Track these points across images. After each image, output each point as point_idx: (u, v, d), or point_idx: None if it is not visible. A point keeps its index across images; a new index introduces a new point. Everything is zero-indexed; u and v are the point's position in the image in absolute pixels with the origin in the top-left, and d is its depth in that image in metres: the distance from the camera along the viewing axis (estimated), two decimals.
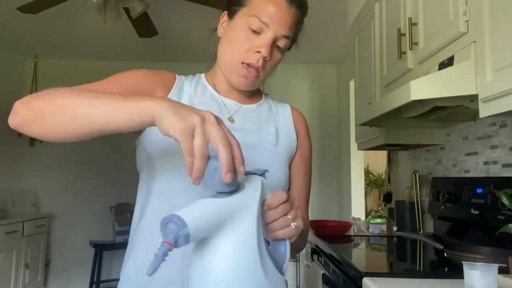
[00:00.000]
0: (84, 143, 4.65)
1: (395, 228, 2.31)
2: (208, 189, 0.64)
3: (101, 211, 4.48)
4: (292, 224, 0.71)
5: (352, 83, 4.10)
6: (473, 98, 1.26)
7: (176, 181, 0.89)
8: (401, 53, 1.70)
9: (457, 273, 1.12)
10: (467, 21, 1.26)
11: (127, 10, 2.83)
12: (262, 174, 0.73)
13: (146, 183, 0.94)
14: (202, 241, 0.64)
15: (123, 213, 4.20)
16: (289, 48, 1.01)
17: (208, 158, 0.62)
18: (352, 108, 4.10)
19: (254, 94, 1.05)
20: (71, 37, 4.05)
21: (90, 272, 4.14)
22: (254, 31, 0.91)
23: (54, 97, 0.72)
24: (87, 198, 4.57)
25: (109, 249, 4.19)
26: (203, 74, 1.04)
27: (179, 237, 0.58)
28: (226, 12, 0.99)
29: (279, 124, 1.03)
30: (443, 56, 1.40)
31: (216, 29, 1.02)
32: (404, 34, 1.68)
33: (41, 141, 4.58)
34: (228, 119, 0.96)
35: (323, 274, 1.89)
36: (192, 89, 0.97)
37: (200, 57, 4.59)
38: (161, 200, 0.90)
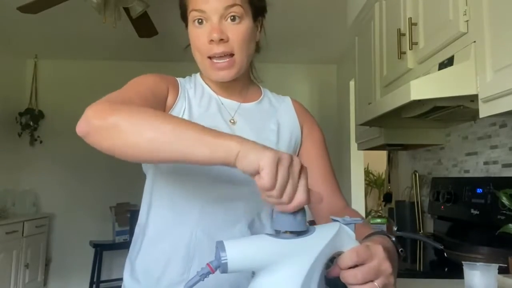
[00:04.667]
0: (84, 143, 4.63)
1: (395, 228, 2.31)
2: (277, 226, 0.63)
3: (101, 211, 4.48)
4: None
5: (352, 83, 4.10)
6: (473, 98, 1.26)
7: (180, 184, 0.90)
8: (401, 53, 1.70)
9: (457, 273, 1.12)
10: (467, 21, 1.26)
11: (127, 10, 2.83)
12: (349, 223, 0.68)
13: (151, 186, 0.95)
14: (255, 277, 0.64)
15: (123, 213, 4.20)
16: (260, 14, 0.96)
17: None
18: (352, 108, 4.10)
19: (251, 90, 1.03)
20: (71, 37, 4.06)
21: (90, 272, 4.13)
22: (199, 23, 0.90)
23: (133, 114, 0.69)
24: (87, 198, 4.57)
25: (109, 249, 4.18)
26: (198, 75, 1.03)
27: (220, 264, 0.59)
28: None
29: (281, 119, 1.01)
30: (443, 56, 1.40)
31: (188, 45, 1.01)
32: (404, 34, 1.68)
33: (41, 141, 4.59)
34: (230, 121, 0.96)
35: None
36: (192, 91, 0.97)
37: None
38: (165, 202, 0.91)
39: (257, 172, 0.61)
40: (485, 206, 1.64)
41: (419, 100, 1.33)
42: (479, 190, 1.70)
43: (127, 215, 4.10)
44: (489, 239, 1.52)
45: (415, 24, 1.61)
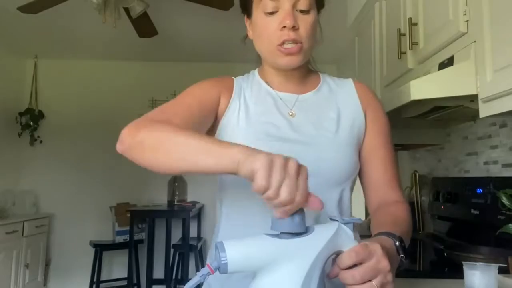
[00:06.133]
0: (84, 143, 4.66)
1: None
2: (276, 228, 0.65)
3: (101, 211, 4.48)
4: None
5: None
6: (473, 98, 1.26)
7: (243, 184, 0.91)
8: (401, 53, 1.70)
9: (457, 273, 1.12)
10: (467, 21, 1.26)
11: (127, 10, 2.83)
12: (348, 223, 0.68)
13: (220, 188, 0.98)
14: (255, 277, 0.65)
15: (123, 213, 4.20)
16: (321, 8, 0.99)
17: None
18: None
19: (310, 79, 1.03)
20: (71, 37, 4.05)
21: (90, 272, 4.14)
22: (271, 13, 0.91)
23: (155, 131, 0.77)
24: (87, 198, 4.57)
25: (109, 249, 4.19)
26: (256, 71, 1.05)
27: (220, 265, 0.60)
28: (245, 15, 1.01)
29: (342, 105, 0.99)
30: (443, 56, 1.40)
31: (247, 36, 1.03)
32: (404, 34, 1.68)
33: (41, 141, 4.59)
34: (289, 114, 0.96)
35: None
36: (249, 90, 0.99)
37: (200, 57, 4.59)
38: (231, 203, 0.93)
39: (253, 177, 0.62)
40: (485, 206, 1.64)
41: (419, 100, 1.33)
42: (479, 190, 1.70)
43: (127, 215, 4.10)
44: (489, 239, 1.52)
45: (415, 24, 1.61)
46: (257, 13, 0.94)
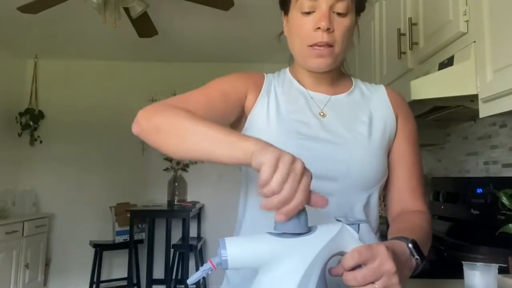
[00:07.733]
0: (84, 143, 4.66)
1: None
2: (279, 229, 0.65)
3: (101, 211, 4.48)
4: None
5: None
6: (473, 98, 1.26)
7: None
8: (401, 53, 1.70)
9: (457, 273, 1.12)
10: (467, 21, 1.26)
11: (127, 10, 2.83)
12: (353, 224, 0.68)
13: (245, 184, 0.96)
14: (257, 274, 0.66)
15: (123, 213, 4.20)
16: (361, 11, 0.97)
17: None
18: None
19: (342, 81, 1.01)
20: (71, 37, 4.05)
21: (90, 272, 4.14)
22: (308, 13, 0.90)
23: (171, 117, 0.78)
24: (87, 198, 4.57)
25: (109, 249, 4.19)
26: (287, 70, 1.03)
27: (221, 261, 0.62)
28: (283, 12, 1.00)
29: (374, 110, 0.97)
30: (443, 56, 1.40)
31: (282, 33, 1.02)
32: (404, 34, 1.68)
33: (41, 141, 4.59)
34: (319, 113, 0.94)
35: None
36: (280, 87, 0.98)
37: (200, 57, 4.58)
38: (257, 201, 0.91)
39: None
40: (485, 206, 1.64)
41: (419, 100, 1.33)
42: (479, 190, 1.70)
43: (127, 215, 4.10)
44: (489, 239, 1.52)
45: (415, 24, 1.61)
46: (294, 11, 0.93)
